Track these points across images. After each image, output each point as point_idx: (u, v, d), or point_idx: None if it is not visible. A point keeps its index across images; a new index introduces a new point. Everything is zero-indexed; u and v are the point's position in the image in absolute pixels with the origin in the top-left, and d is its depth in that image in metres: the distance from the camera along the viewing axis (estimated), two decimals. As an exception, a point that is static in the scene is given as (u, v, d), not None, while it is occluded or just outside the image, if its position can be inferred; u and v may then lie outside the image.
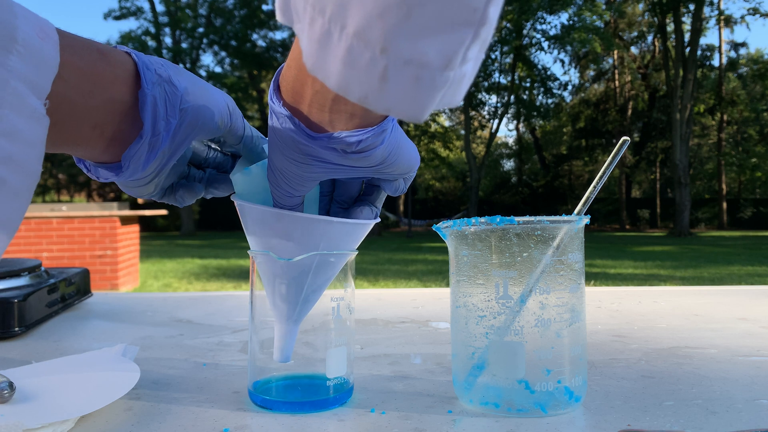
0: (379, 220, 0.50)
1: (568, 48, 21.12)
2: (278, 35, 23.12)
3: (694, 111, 19.67)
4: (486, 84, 22.45)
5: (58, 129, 0.34)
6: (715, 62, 24.03)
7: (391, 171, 0.41)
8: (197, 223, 24.45)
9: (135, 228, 6.72)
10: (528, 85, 22.12)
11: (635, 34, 24.99)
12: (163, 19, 22.61)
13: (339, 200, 0.47)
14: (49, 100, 0.31)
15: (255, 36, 22.24)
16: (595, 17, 18.67)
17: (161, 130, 0.38)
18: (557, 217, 0.44)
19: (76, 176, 26.38)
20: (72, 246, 6.02)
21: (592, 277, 6.87)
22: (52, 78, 0.30)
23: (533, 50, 21.39)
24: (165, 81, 0.38)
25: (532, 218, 0.44)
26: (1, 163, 0.28)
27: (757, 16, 18.89)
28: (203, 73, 23.54)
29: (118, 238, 6.07)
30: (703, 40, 26.09)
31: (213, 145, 0.49)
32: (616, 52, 23.92)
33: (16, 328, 0.72)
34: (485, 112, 24.22)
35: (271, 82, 0.38)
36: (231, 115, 0.43)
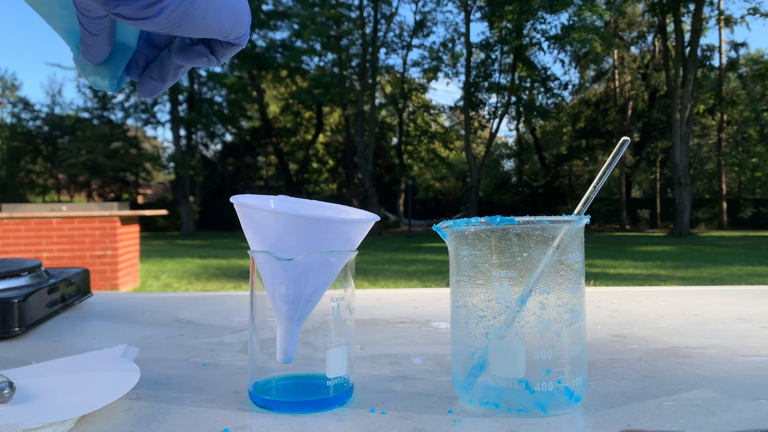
0: (379, 218, 0.50)
1: (568, 48, 21.13)
2: (278, 35, 23.17)
3: (694, 111, 19.66)
4: (486, 84, 22.45)
5: None
6: (715, 62, 24.03)
7: (188, 33, 0.31)
8: (197, 223, 24.44)
9: (135, 228, 6.72)
10: (528, 85, 22.13)
11: (635, 34, 24.98)
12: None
13: (150, 42, 0.40)
14: None
15: (255, 36, 22.20)
16: (595, 17, 18.66)
17: None
18: (557, 217, 0.44)
19: (76, 176, 26.35)
20: (72, 246, 6.02)
21: (592, 277, 6.87)
22: None
23: (533, 50, 21.40)
24: None
25: (532, 218, 0.44)
26: None
27: (757, 16, 18.84)
28: (203, 72, 23.53)
29: (118, 238, 6.07)
30: (703, 40, 26.00)
31: None
32: (616, 52, 23.92)
33: (16, 328, 0.72)
34: (485, 112, 24.23)
35: None
36: None
